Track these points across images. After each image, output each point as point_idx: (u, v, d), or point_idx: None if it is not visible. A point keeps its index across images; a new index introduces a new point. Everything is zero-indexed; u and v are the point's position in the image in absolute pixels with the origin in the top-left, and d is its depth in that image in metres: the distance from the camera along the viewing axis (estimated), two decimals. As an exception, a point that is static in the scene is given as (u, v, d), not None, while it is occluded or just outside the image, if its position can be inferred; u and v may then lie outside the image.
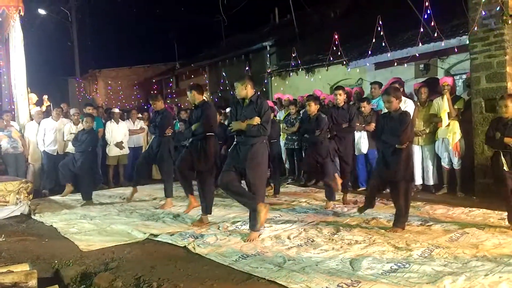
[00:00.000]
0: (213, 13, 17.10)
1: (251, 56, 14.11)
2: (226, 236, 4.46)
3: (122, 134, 8.81)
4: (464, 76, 7.31)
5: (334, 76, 10.53)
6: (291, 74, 11.67)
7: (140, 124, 9.49)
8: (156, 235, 4.65)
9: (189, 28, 26.30)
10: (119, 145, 8.68)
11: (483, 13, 5.82)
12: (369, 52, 8.74)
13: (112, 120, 8.89)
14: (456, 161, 6.21)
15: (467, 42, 6.26)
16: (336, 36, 9.44)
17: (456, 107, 6.20)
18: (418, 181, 6.68)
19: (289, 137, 8.35)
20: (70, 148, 8.17)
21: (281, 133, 8.20)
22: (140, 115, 9.88)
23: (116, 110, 9.18)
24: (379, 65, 9.13)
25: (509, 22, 5.65)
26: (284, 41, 12.97)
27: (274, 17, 17.63)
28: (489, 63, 5.85)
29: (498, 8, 5.68)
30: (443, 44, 7.36)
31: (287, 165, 8.91)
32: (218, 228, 4.84)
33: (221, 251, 4.00)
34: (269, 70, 12.81)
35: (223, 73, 14.21)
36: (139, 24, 24.69)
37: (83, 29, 21.92)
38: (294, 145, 8.32)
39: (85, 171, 6.85)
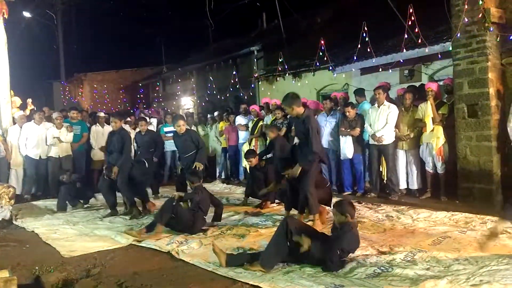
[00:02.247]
0: (201, 18, 17.14)
1: (238, 61, 14.13)
2: (210, 242, 4.39)
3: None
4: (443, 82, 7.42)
5: (321, 81, 10.61)
6: (278, 78, 11.72)
7: (126, 128, 9.39)
8: (140, 241, 4.60)
9: (177, 32, 26.26)
10: (103, 149, 8.57)
11: (466, 20, 5.93)
12: (355, 58, 8.83)
13: (97, 124, 8.79)
14: (439, 166, 6.29)
15: (450, 48, 6.37)
16: (322, 42, 9.52)
17: (440, 112, 6.29)
18: (403, 185, 6.76)
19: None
20: (54, 152, 8.08)
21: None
22: (129, 119, 9.79)
23: (101, 114, 9.10)
24: (364, 71, 9.23)
25: (491, 28, 5.77)
26: (272, 46, 13.03)
27: (262, 22, 17.71)
28: (472, 69, 5.96)
29: (480, 15, 5.80)
30: (427, 50, 7.47)
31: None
32: (204, 233, 4.81)
33: (205, 256, 3.97)
34: (256, 75, 12.85)
35: (210, 77, 14.20)
36: (126, 28, 24.49)
37: (69, 32, 21.72)
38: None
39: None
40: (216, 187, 8.77)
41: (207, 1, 16.72)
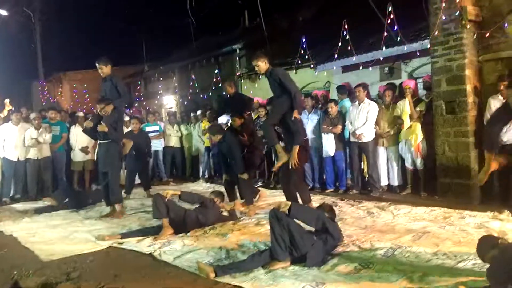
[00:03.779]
0: (183, 16, 16.99)
1: (221, 59, 14.07)
2: (193, 242, 4.39)
3: (87, 139, 8.55)
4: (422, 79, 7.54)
5: (303, 79, 10.63)
6: (260, 77, 11.70)
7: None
8: (121, 243, 4.55)
9: (158, 30, 25.95)
10: (84, 150, 8.45)
11: (443, 17, 6.03)
12: (336, 56, 8.89)
13: (77, 124, 8.64)
14: (418, 162, 6.40)
15: (428, 46, 6.46)
16: (304, 40, 9.55)
17: (418, 109, 6.39)
18: (384, 181, 6.85)
19: (264, 140, 8.34)
20: (32, 154, 7.92)
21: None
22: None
23: (81, 114, 8.96)
24: (346, 69, 9.30)
25: (468, 26, 5.88)
26: (254, 44, 12.99)
27: (244, 20, 17.66)
28: (449, 66, 6.06)
29: (457, 13, 5.90)
30: (405, 48, 7.57)
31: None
32: (186, 234, 4.77)
33: (187, 257, 3.94)
34: (238, 73, 12.82)
35: (193, 76, 14.10)
36: (107, 25, 24.18)
37: (48, 31, 21.25)
38: (264, 148, 8.33)
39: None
40: (199, 187, 8.73)
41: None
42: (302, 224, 3.79)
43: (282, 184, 5.45)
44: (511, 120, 3.48)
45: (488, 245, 3.02)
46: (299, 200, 5.09)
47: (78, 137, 8.51)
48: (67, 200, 6.77)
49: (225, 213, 5.38)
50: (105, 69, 6.01)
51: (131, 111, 12.70)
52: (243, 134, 5.99)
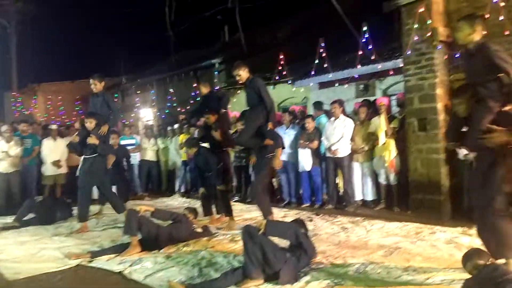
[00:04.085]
0: (163, 29, 17.02)
1: (199, 73, 14.09)
2: (165, 260, 4.29)
3: (59, 152, 8.39)
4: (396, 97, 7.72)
5: (281, 94, 10.75)
6: (239, 91, 11.75)
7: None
8: (90, 261, 4.42)
9: (137, 43, 25.87)
10: (56, 163, 8.25)
11: (416, 38, 6.23)
12: (313, 73, 9.04)
13: (50, 137, 8.45)
14: (392, 178, 6.51)
15: (401, 65, 6.64)
16: (281, 56, 9.69)
17: (391, 126, 6.53)
18: (358, 196, 6.93)
19: (237, 154, 8.36)
20: (2, 167, 7.68)
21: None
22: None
23: (54, 127, 8.75)
24: (322, 85, 9.46)
25: (439, 47, 6.08)
26: (233, 59, 13.02)
27: (224, 35, 17.79)
28: (421, 85, 6.23)
29: (428, 34, 6.10)
30: (380, 67, 7.78)
31: (234, 183, 8.89)
32: (159, 251, 4.68)
33: (159, 275, 3.86)
34: (217, 87, 12.83)
35: (171, 89, 14.06)
36: (84, 38, 23.90)
37: (23, 41, 20.84)
38: (242, 162, 8.33)
39: None
40: (175, 201, 8.62)
41: (167, 12, 16.67)
42: (277, 239, 3.78)
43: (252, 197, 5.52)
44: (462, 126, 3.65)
45: (473, 260, 3.11)
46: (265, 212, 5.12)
47: (50, 151, 8.30)
48: (33, 216, 6.55)
49: (199, 229, 5.32)
50: (98, 85, 6.17)
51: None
52: (217, 131, 6.01)
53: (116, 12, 23.61)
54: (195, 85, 13.07)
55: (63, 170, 8.41)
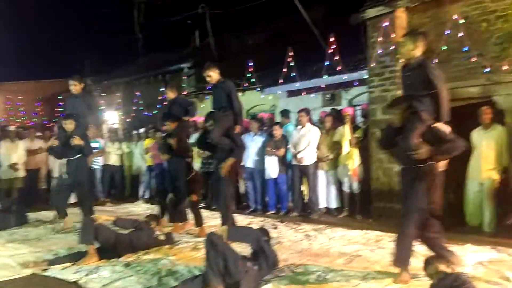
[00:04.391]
0: (132, 30, 16.74)
1: (168, 77, 13.91)
2: (124, 269, 4.16)
3: (18, 155, 8.03)
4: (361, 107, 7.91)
5: (250, 101, 10.76)
6: (207, 97, 11.69)
7: (40, 143, 8.74)
8: (45, 269, 4.23)
9: (105, 43, 25.26)
10: (13, 166, 7.88)
11: (380, 51, 6.41)
12: (281, 81, 9.12)
13: (7, 139, 8.07)
14: (355, 186, 6.63)
15: (366, 76, 6.81)
16: (251, 63, 9.73)
17: (356, 135, 6.67)
18: (322, 204, 7.01)
19: (204, 160, 8.27)
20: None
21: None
22: (39, 134, 9.11)
23: (12, 128, 8.38)
24: (291, 93, 9.56)
25: (401, 60, 6.27)
26: (203, 63, 12.88)
27: (195, 39, 17.67)
28: (384, 96, 6.41)
29: (392, 47, 6.29)
30: (345, 77, 7.95)
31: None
32: (118, 259, 4.53)
33: (116, 285, 3.74)
34: (186, 92, 12.71)
35: (137, 92, 13.81)
36: (48, 36, 23.03)
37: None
38: (209, 169, 8.24)
39: None
40: (138, 208, 8.42)
41: (136, 14, 16.43)
42: (240, 247, 3.76)
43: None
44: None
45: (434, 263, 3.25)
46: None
47: (7, 153, 7.93)
48: None
49: (161, 237, 5.21)
50: (77, 86, 6.28)
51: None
52: (174, 138, 5.95)
53: (83, 12, 22.98)
54: (163, 89, 12.91)
55: (21, 173, 8.05)
